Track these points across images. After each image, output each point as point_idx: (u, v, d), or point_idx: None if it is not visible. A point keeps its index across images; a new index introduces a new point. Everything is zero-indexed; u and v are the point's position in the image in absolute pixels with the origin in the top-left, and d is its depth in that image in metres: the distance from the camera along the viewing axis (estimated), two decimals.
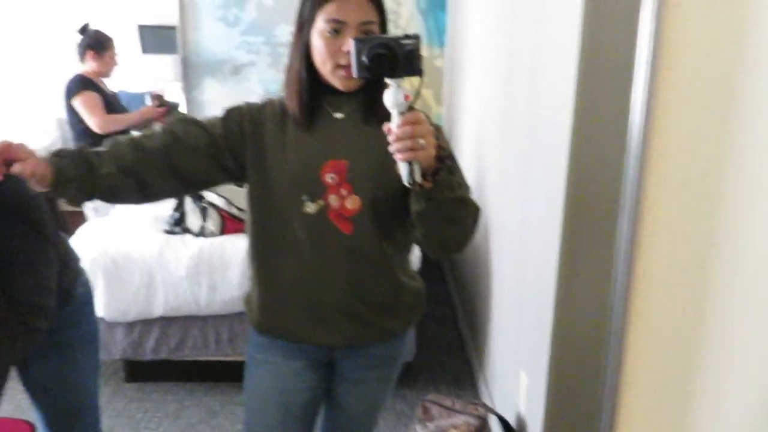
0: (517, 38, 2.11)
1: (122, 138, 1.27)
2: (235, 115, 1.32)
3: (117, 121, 3.36)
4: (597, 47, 1.33)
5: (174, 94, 4.66)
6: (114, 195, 1.25)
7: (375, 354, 1.42)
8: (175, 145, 1.26)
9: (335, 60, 1.22)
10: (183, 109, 4.65)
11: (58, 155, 1.15)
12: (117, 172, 1.20)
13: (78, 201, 1.20)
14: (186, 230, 2.75)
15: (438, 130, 1.30)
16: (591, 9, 1.32)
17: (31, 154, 1.10)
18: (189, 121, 1.31)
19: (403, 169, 1.06)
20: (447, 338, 3.26)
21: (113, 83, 3.55)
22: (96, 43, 3.33)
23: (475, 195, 1.26)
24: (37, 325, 1.35)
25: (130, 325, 2.62)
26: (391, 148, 1.04)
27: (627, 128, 1.31)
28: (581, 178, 1.42)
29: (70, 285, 1.54)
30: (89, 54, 3.32)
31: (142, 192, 1.25)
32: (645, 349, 1.37)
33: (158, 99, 3.55)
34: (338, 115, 1.29)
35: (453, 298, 3.70)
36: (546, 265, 1.60)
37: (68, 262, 1.55)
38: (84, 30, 3.36)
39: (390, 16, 1.29)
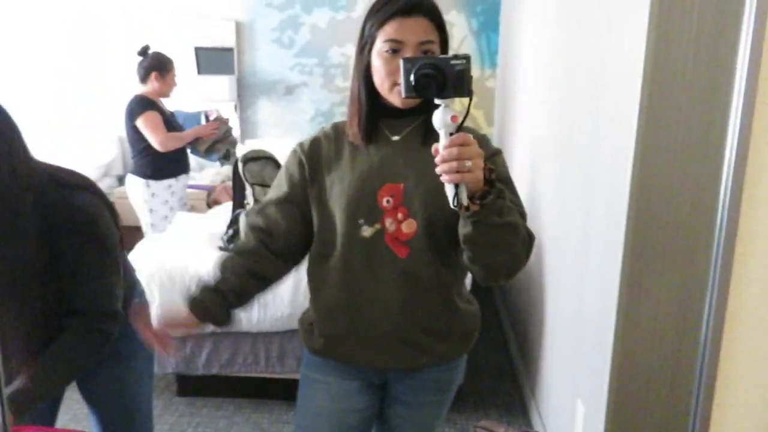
0: (577, 58, 2.08)
1: (223, 255, 1.38)
2: (291, 162, 1.36)
3: (176, 139, 3.48)
4: (665, 67, 1.30)
5: (228, 113, 4.78)
6: (247, 299, 1.37)
7: (429, 378, 1.40)
8: (265, 235, 1.35)
9: (393, 79, 1.22)
10: (236, 131, 4.76)
11: (193, 302, 1.32)
12: (241, 279, 1.34)
13: (223, 321, 1.34)
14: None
15: (496, 154, 1.29)
16: (660, 28, 1.29)
17: (189, 320, 1.31)
18: (261, 209, 1.37)
19: (449, 191, 1.05)
20: (497, 362, 3.20)
21: (170, 103, 3.67)
22: (160, 65, 3.47)
23: (529, 218, 1.23)
24: (109, 330, 1.43)
25: (183, 340, 2.66)
26: (438, 170, 1.03)
27: (711, 154, 1.27)
28: (647, 205, 1.37)
29: (128, 294, 1.59)
30: (154, 75, 3.44)
31: (266, 287, 1.39)
32: (738, 389, 1.29)
33: (220, 120, 3.72)
34: (395, 138, 1.29)
35: (503, 321, 3.63)
36: (607, 291, 1.55)
37: (126, 272, 1.60)
38: (144, 52, 3.49)
39: None
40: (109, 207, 1.45)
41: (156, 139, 3.38)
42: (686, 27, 1.27)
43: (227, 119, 3.91)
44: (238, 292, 1.34)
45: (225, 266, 1.35)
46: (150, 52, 3.50)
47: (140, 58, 3.48)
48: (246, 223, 1.40)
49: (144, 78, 3.46)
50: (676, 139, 1.32)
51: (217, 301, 1.32)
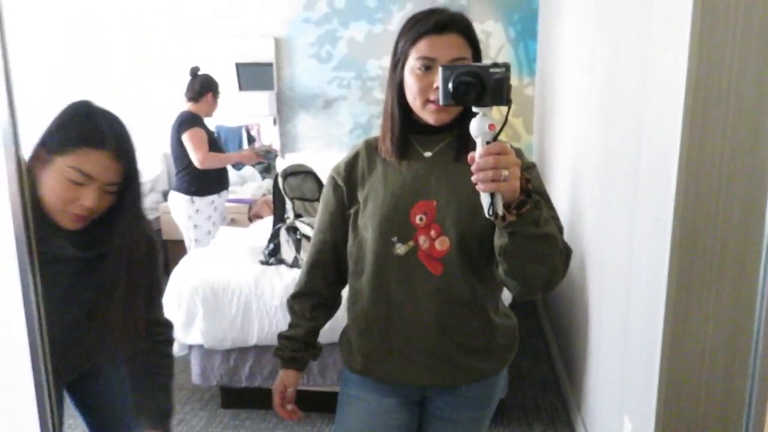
0: (618, 65, 2.04)
1: (288, 302, 1.49)
2: (328, 189, 1.40)
3: (216, 159, 3.57)
4: (708, 74, 1.26)
5: (267, 128, 4.87)
6: (320, 328, 1.50)
7: (468, 394, 1.38)
8: (320, 270, 1.45)
9: (425, 95, 1.22)
10: (276, 145, 4.84)
11: (285, 362, 1.47)
12: (310, 320, 1.46)
13: (315, 357, 1.51)
14: (280, 261, 2.82)
15: (531, 168, 1.27)
16: (702, 35, 1.25)
17: (294, 378, 1.49)
18: (312, 247, 1.45)
19: (484, 201, 1.03)
20: (540, 374, 3.14)
21: (211, 118, 3.79)
22: (214, 87, 3.62)
23: (570, 226, 1.20)
24: (173, 336, 1.61)
25: (227, 353, 2.70)
26: (474, 178, 1.02)
27: (757, 165, 1.24)
28: (693, 217, 1.33)
29: None
30: (210, 95, 3.58)
31: (333, 313, 1.52)
32: None
33: (262, 150, 3.89)
34: (428, 153, 1.29)
35: (546, 332, 3.58)
36: (654, 304, 1.51)
37: None
38: (195, 73, 3.62)
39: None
40: None
41: (197, 156, 3.46)
42: (729, 35, 1.23)
43: (270, 147, 4.08)
44: (312, 330, 1.47)
45: (294, 312, 1.48)
46: (199, 73, 3.62)
47: (190, 78, 3.62)
48: (304, 265, 1.49)
49: (198, 97, 3.58)
50: (721, 148, 1.28)
51: (300, 347, 1.46)
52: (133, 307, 1.38)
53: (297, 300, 1.47)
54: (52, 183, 1.24)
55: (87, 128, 1.26)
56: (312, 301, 1.46)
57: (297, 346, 1.45)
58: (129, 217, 1.35)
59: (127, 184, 1.32)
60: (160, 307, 1.54)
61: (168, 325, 1.57)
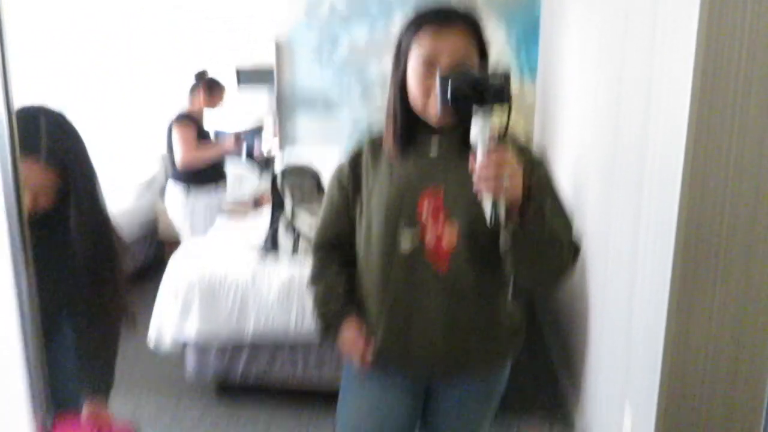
0: (626, 69, 2.03)
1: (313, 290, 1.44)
2: (338, 178, 1.37)
3: (197, 159, 3.57)
4: (714, 78, 1.25)
5: (268, 130, 4.87)
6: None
7: (472, 389, 1.38)
8: (327, 251, 1.42)
9: (427, 97, 1.19)
10: (276, 145, 4.84)
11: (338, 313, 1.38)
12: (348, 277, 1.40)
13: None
14: (277, 247, 2.79)
15: (539, 165, 1.26)
16: (709, 37, 1.25)
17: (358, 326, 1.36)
18: (323, 232, 1.42)
19: (486, 208, 1.04)
20: (537, 367, 3.12)
21: (212, 123, 3.81)
22: (208, 82, 3.67)
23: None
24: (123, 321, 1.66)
25: (222, 348, 2.67)
26: (475, 186, 1.02)
27: (763, 170, 1.23)
28: (698, 213, 1.33)
29: None
30: (199, 91, 3.65)
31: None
32: None
33: (243, 133, 3.90)
34: (432, 152, 1.26)
35: (543, 326, 3.55)
36: (657, 300, 1.49)
37: None
38: (201, 76, 3.66)
39: None
40: None
41: (179, 152, 3.51)
42: (736, 39, 1.23)
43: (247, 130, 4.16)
44: (348, 288, 1.40)
45: (321, 283, 1.42)
46: (207, 77, 3.67)
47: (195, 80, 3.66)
48: (312, 251, 1.46)
49: (191, 93, 3.61)
50: (727, 153, 1.28)
51: (343, 301, 1.38)
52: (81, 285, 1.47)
53: (316, 278, 1.43)
54: None
55: (24, 138, 1.33)
56: (334, 266, 1.41)
57: (340, 302, 1.38)
58: (78, 212, 1.41)
59: (68, 187, 1.38)
60: (115, 293, 1.55)
61: (124, 309, 1.59)
